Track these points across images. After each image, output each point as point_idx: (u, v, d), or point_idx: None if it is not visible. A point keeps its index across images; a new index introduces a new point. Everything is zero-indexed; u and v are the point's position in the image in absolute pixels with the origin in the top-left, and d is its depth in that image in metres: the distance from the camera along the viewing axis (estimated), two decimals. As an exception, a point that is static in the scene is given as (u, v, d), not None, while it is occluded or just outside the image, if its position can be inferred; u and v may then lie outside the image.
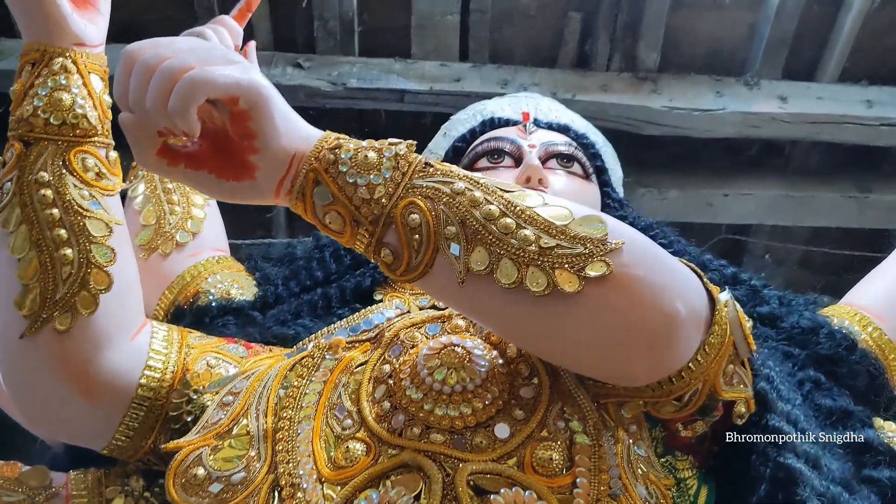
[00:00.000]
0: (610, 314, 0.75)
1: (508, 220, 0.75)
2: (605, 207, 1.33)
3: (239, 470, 0.80)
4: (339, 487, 0.77)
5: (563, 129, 1.37)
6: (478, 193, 0.76)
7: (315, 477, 0.78)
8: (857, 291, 1.27)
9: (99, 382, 0.90)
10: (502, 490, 0.75)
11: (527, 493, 0.76)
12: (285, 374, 0.88)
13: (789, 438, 0.87)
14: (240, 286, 1.24)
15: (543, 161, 1.27)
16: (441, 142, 1.43)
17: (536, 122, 1.37)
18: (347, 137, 0.81)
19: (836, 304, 1.25)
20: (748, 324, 0.85)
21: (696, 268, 0.84)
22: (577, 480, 0.78)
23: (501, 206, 0.75)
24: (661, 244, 1.24)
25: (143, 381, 0.93)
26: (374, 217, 0.76)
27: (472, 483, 0.76)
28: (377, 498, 0.75)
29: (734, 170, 2.30)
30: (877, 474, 1.02)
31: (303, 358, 0.90)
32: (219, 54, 0.76)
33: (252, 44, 1.49)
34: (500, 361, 0.86)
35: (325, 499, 0.76)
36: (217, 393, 0.89)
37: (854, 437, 1.04)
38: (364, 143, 0.80)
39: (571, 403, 0.84)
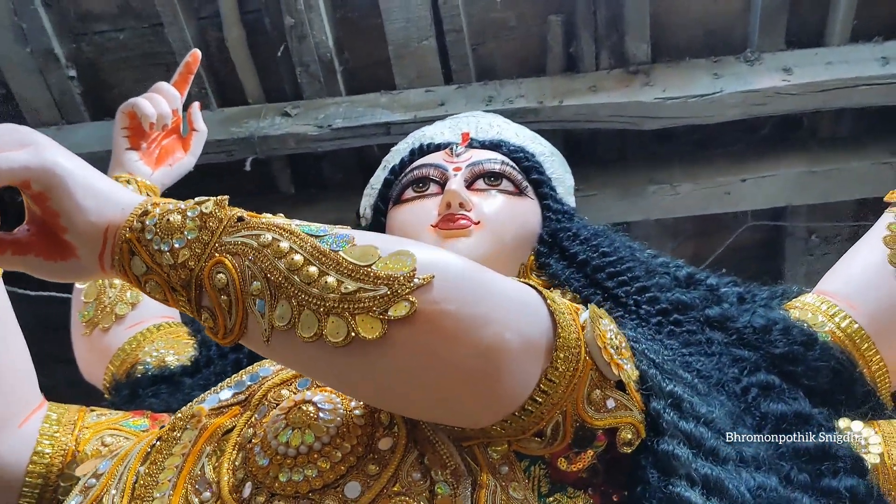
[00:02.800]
0: (421, 356, 0.69)
1: (312, 269, 0.70)
2: (545, 220, 1.26)
3: (87, 557, 0.78)
4: None
5: (496, 146, 1.31)
6: (284, 244, 0.72)
7: None
8: (829, 277, 1.15)
9: (-16, 472, 0.91)
10: None
11: None
12: (147, 451, 0.85)
13: (685, 461, 0.78)
14: (176, 352, 1.23)
15: (471, 182, 1.22)
16: (379, 175, 1.39)
17: (471, 143, 1.32)
18: (165, 201, 0.78)
19: (806, 294, 1.14)
20: (608, 345, 0.77)
21: (541, 289, 0.77)
22: None
23: (307, 254, 0.71)
24: (604, 252, 1.18)
25: (30, 467, 0.92)
26: (183, 282, 0.73)
27: None
28: None
29: (749, 152, 2.16)
30: (836, 483, 0.91)
31: (167, 431, 0.87)
32: (10, 139, 0.75)
33: (195, 105, 1.50)
34: (358, 413, 0.81)
35: None
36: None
37: (804, 444, 0.94)
38: (173, 205, 0.77)
39: (431, 451, 0.78)
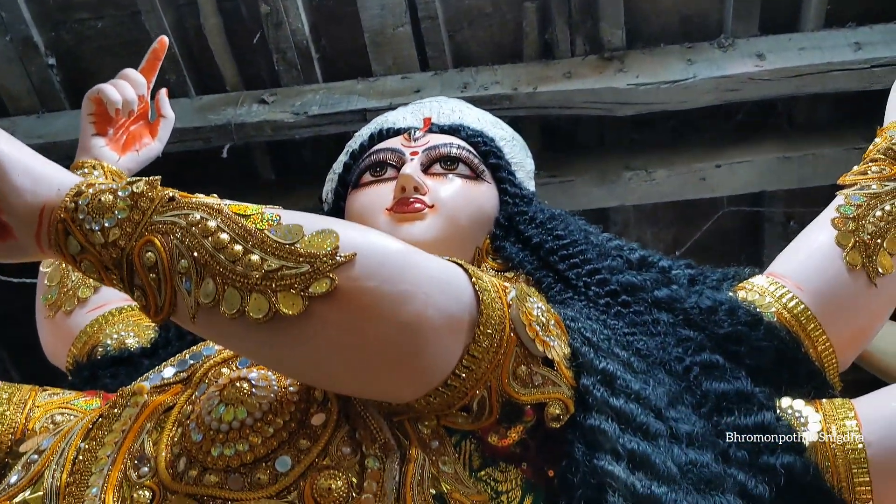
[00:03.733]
0: (341, 332, 0.70)
1: (238, 247, 0.71)
2: (502, 204, 1.27)
3: (24, 531, 0.79)
4: None
5: (455, 131, 1.32)
6: (212, 222, 0.73)
7: None
8: (779, 259, 1.16)
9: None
10: None
11: None
12: (89, 427, 0.87)
13: (612, 436, 0.80)
14: (136, 334, 1.25)
15: (428, 166, 1.23)
16: (341, 159, 1.40)
17: (431, 128, 1.33)
18: (100, 182, 0.79)
19: (757, 276, 1.15)
20: (534, 322, 0.78)
21: (468, 268, 0.78)
22: None
23: (233, 233, 0.72)
24: (558, 235, 1.19)
25: None
26: (115, 261, 0.74)
27: None
28: None
29: (724, 139, 2.16)
30: (773, 460, 0.93)
31: (108, 408, 0.89)
32: None
33: (162, 91, 1.51)
34: (293, 390, 0.82)
35: None
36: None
37: (744, 422, 0.95)
38: (106, 185, 0.78)
39: (362, 426, 0.79)
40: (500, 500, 0.80)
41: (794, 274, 1.12)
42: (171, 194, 0.77)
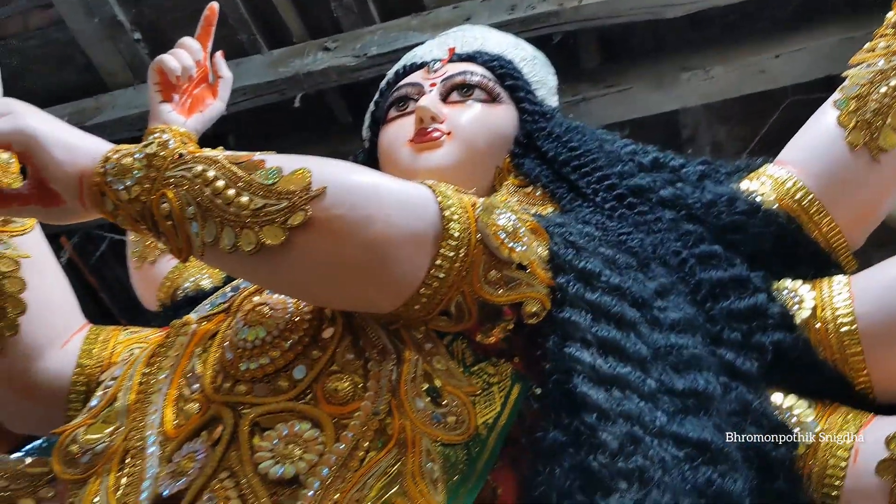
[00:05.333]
0: (319, 256, 0.82)
1: (231, 191, 0.83)
2: (522, 122, 1.33)
3: (103, 442, 0.96)
4: (172, 443, 0.91)
5: (471, 58, 1.39)
6: (211, 172, 0.85)
7: (160, 439, 0.93)
8: (787, 146, 1.19)
9: (36, 386, 1.11)
10: (277, 426, 0.85)
11: (302, 424, 0.85)
12: (150, 356, 1.03)
13: (583, 327, 0.88)
14: (210, 276, 1.41)
15: (446, 95, 1.31)
16: (375, 97, 1.50)
17: (452, 58, 1.40)
18: (123, 148, 0.93)
19: (766, 165, 1.18)
20: (500, 231, 0.86)
21: (437, 187, 0.87)
22: (362, 405, 0.86)
23: (227, 179, 0.84)
24: (572, 147, 1.26)
25: (73, 378, 1.12)
26: (140, 214, 0.88)
27: (259, 423, 0.87)
28: (186, 450, 0.88)
29: (780, 28, 2.11)
30: (763, 339, 0.99)
31: (165, 338, 1.04)
32: None
33: (218, 54, 1.65)
34: (306, 310, 0.95)
35: (157, 457, 0.91)
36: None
37: (737, 306, 1.01)
38: (127, 149, 0.91)
39: (363, 335, 0.92)
40: (492, 391, 0.91)
41: (798, 159, 1.14)
42: (180, 152, 0.90)
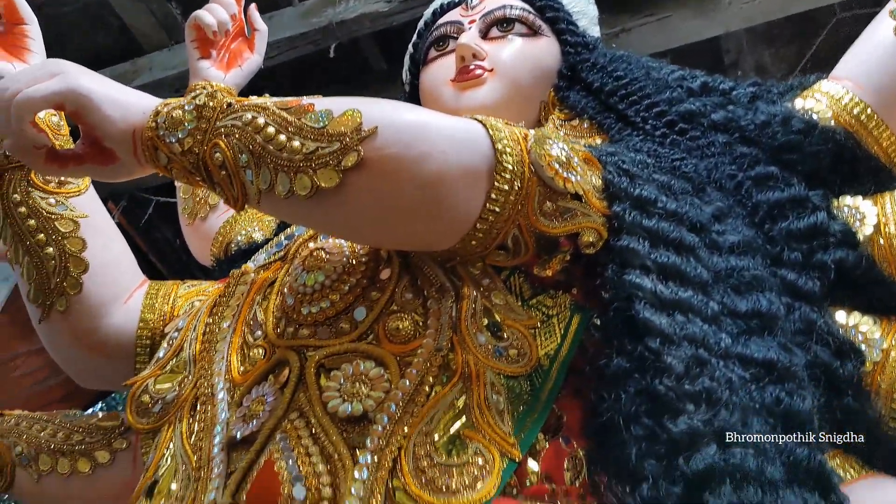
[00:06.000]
0: (374, 196, 0.81)
1: (282, 137, 0.83)
2: (564, 55, 1.31)
3: (173, 391, 0.99)
4: (240, 389, 0.93)
5: None
6: (261, 119, 0.85)
7: (228, 385, 0.95)
8: (841, 61, 1.15)
9: (103, 342, 1.14)
10: (342, 366, 0.86)
11: (366, 363, 0.86)
12: (212, 306, 1.05)
13: (641, 254, 0.87)
14: (261, 228, 1.43)
15: (486, 31, 1.29)
16: (413, 39, 1.49)
17: None
18: (173, 101, 0.93)
19: (820, 82, 1.15)
20: (553, 162, 0.85)
21: (487, 121, 0.86)
22: (424, 342, 0.87)
23: (277, 125, 0.84)
24: (618, 76, 1.24)
25: (138, 332, 1.15)
26: (193, 165, 0.89)
27: (324, 365, 0.88)
28: (255, 394, 0.90)
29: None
30: (825, 257, 0.97)
31: (225, 288, 1.06)
32: (44, 72, 0.92)
33: (252, 7, 1.64)
34: (362, 253, 0.96)
35: (227, 403, 0.93)
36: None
37: (797, 225, 0.99)
38: (176, 102, 0.92)
39: (421, 274, 0.92)
40: (551, 322, 0.91)
41: (854, 73, 1.11)
42: (228, 101, 0.90)
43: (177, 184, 1.54)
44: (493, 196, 0.83)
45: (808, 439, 0.80)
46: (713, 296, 0.87)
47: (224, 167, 0.86)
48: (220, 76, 1.54)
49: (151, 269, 2.97)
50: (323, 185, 0.81)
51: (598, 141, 1.19)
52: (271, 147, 0.83)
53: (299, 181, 0.82)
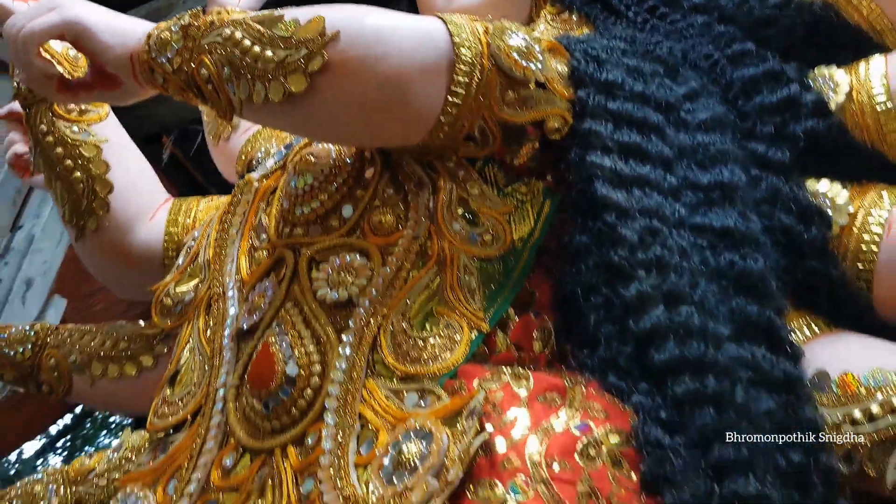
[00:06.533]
0: (341, 98, 0.87)
1: (257, 48, 0.89)
2: None
3: (191, 293, 1.09)
4: (247, 287, 1.02)
5: None
6: (238, 33, 0.91)
7: (238, 284, 1.04)
8: None
9: (133, 256, 1.25)
10: (330, 258, 0.94)
11: (352, 255, 0.93)
12: (222, 214, 1.13)
13: (604, 135, 0.92)
14: (278, 144, 1.50)
15: None
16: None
17: None
18: (163, 24, 1.00)
19: None
20: (512, 52, 0.89)
21: (447, 18, 0.91)
22: (405, 233, 0.94)
23: (252, 37, 0.90)
24: None
25: (164, 244, 1.26)
26: (185, 83, 0.96)
27: (315, 259, 0.96)
28: (259, 289, 0.99)
29: None
30: (797, 128, 1.00)
31: (232, 198, 1.14)
32: (43, 7, 0.99)
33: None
34: (348, 153, 1.02)
35: (236, 300, 1.02)
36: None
37: (770, 99, 1.01)
38: (165, 24, 0.98)
39: (400, 170, 0.98)
40: (525, 209, 0.97)
41: None
42: (211, 19, 0.96)
43: (201, 107, 1.63)
44: (454, 89, 0.88)
45: (761, 298, 0.84)
46: (675, 171, 0.91)
47: (210, 82, 0.93)
48: (234, 1, 1.61)
49: (204, 195, 3.11)
50: (293, 89, 0.87)
51: (587, 32, 1.21)
52: (248, 59, 0.89)
53: (273, 88, 0.88)
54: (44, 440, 5.98)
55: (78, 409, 5.50)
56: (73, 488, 1.17)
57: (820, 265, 0.93)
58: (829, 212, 0.95)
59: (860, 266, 0.94)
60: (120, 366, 1.26)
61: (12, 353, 1.29)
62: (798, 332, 0.92)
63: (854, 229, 0.94)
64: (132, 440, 1.22)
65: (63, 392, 1.30)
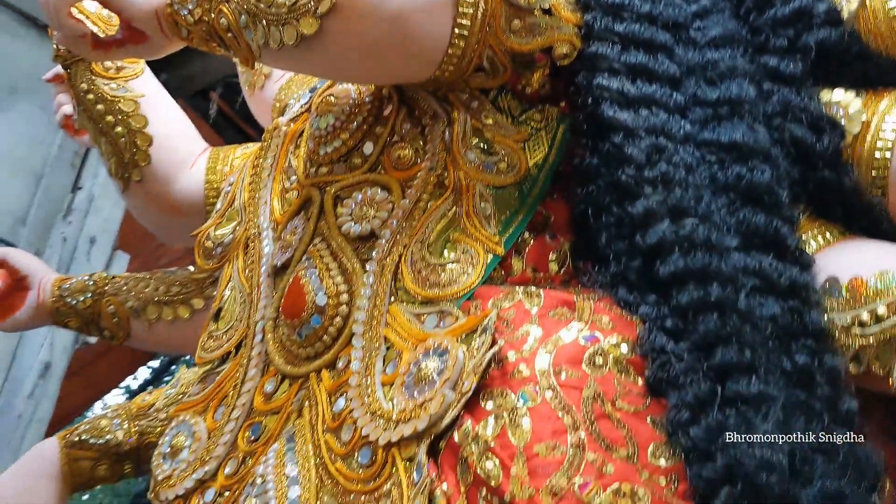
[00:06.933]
0: (351, 38, 0.91)
1: None
2: None
3: (229, 235, 1.15)
4: (280, 226, 1.08)
5: None
6: None
7: (272, 225, 1.10)
8: None
9: (176, 204, 1.32)
10: (353, 194, 0.99)
11: (373, 190, 0.98)
12: (255, 159, 1.19)
13: (611, 57, 0.93)
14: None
15: None
16: None
17: None
18: None
19: None
20: None
21: None
22: (423, 165, 0.98)
23: None
24: None
25: (205, 192, 1.32)
26: (207, 33, 1.00)
27: (339, 196, 1.01)
28: (290, 227, 1.04)
29: None
30: (809, 39, 1.00)
31: (262, 142, 1.19)
32: None
33: None
34: (366, 93, 1.06)
35: (271, 239, 1.08)
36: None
37: (780, 13, 1.01)
38: None
39: (416, 105, 1.02)
40: (540, 135, 0.99)
41: None
42: None
43: (234, 59, 1.67)
44: (459, 21, 0.91)
45: (769, 209, 0.86)
46: (684, 89, 0.93)
47: (230, 30, 0.97)
48: None
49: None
50: (305, 32, 0.90)
51: None
52: (262, 5, 0.93)
53: (287, 32, 0.92)
54: (126, 394, 6.25)
55: (156, 363, 5.75)
56: (136, 422, 1.26)
57: (833, 175, 0.94)
58: (843, 121, 0.96)
59: (874, 173, 0.94)
60: (174, 309, 1.33)
61: (74, 302, 1.38)
62: (812, 241, 0.94)
63: (868, 136, 0.95)
64: (187, 376, 1.30)
65: (124, 337, 1.39)
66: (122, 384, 6.07)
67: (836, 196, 0.94)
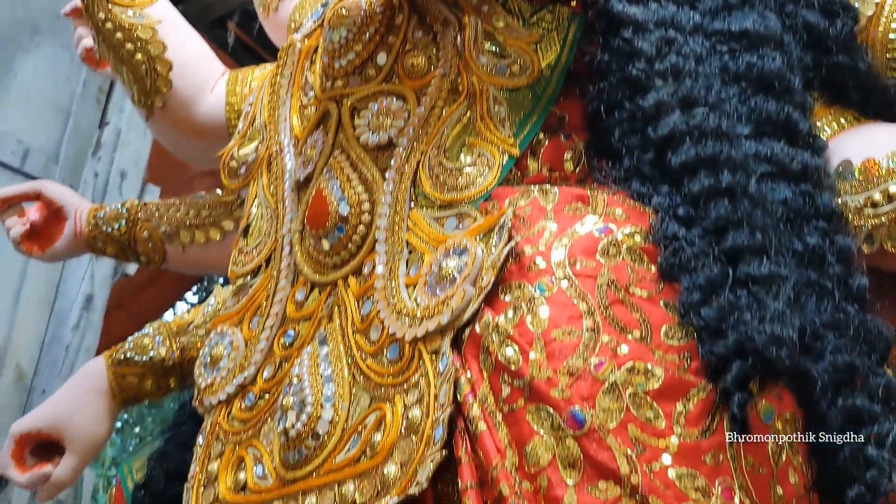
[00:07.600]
0: None
1: None
2: None
3: (252, 154, 1.17)
4: (300, 142, 1.10)
5: None
6: None
7: (294, 141, 1.12)
8: None
9: (199, 127, 1.35)
10: (369, 105, 1.01)
11: (389, 99, 1.00)
12: (272, 77, 1.20)
13: None
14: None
15: None
16: None
17: None
18: None
19: None
20: None
21: None
22: (436, 72, 0.99)
23: None
24: None
25: (226, 114, 1.35)
26: None
27: (356, 107, 1.03)
28: (310, 142, 1.06)
29: None
30: None
31: (278, 60, 1.21)
32: None
33: None
34: (377, 3, 1.06)
35: (292, 154, 1.10)
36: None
37: None
38: None
39: (427, 12, 1.02)
40: (552, 36, 0.99)
41: None
42: None
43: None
44: None
45: (780, 95, 0.87)
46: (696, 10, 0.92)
47: None
48: None
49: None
50: None
51: None
52: None
53: None
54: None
55: (194, 299, 5.87)
56: (177, 338, 1.31)
57: (847, 59, 0.94)
58: (856, 3, 0.95)
59: (889, 55, 0.94)
60: (205, 231, 1.38)
61: (110, 229, 1.42)
62: (826, 127, 0.94)
63: (882, 18, 0.94)
64: (224, 294, 1.35)
65: (160, 261, 1.43)
66: (164, 317, 6.22)
67: (851, 80, 0.94)
